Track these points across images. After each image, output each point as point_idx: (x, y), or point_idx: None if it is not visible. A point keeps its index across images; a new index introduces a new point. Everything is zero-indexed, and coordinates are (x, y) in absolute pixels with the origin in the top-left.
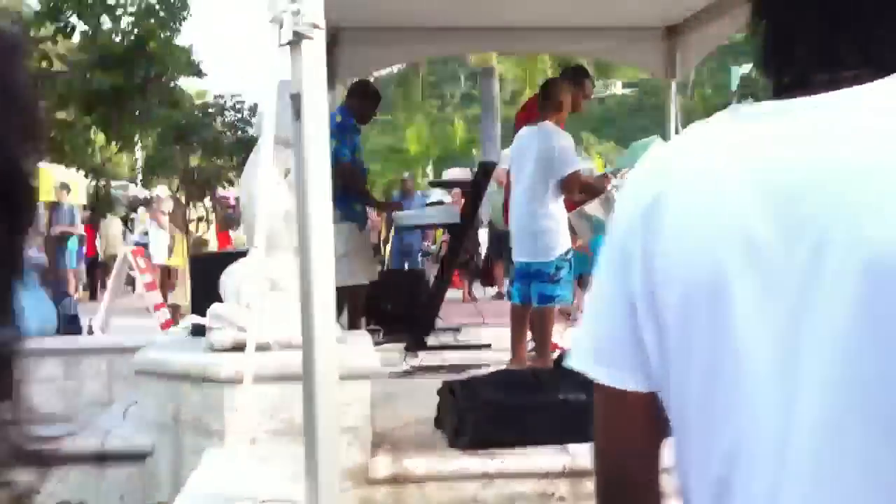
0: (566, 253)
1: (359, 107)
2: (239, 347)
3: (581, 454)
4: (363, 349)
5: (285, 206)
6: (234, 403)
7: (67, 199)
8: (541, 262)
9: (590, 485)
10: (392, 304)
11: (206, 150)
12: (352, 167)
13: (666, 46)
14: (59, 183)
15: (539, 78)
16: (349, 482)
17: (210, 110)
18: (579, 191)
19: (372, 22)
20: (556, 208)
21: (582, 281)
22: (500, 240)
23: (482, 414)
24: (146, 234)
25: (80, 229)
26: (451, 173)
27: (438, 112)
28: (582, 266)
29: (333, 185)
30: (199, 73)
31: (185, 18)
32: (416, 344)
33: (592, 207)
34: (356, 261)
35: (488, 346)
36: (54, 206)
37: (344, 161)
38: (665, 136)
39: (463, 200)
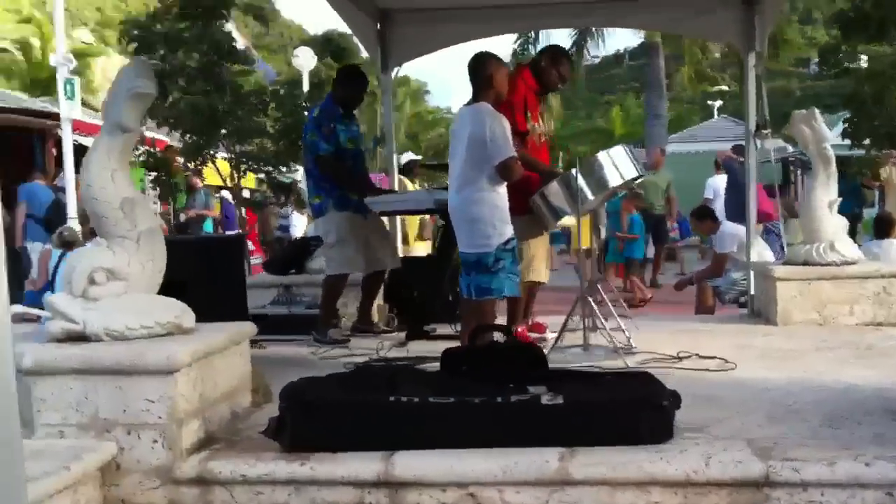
0: (506, 242)
1: (343, 93)
2: (72, 338)
3: (403, 464)
4: (178, 346)
5: (122, 194)
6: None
7: (201, 185)
8: (479, 252)
9: (410, 496)
10: (407, 291)
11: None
12: (331, 158)
13: (742, 14)
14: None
15: (695, 50)
16: (157, 480)
17: None
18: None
19: (423, 3)
20: (493, 195)
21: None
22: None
23: (300, 413)
24: None
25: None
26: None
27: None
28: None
29: (318, 177)
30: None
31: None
32: (413, 333)
33: (552, 191)
34: (356, 249)
35: None
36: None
37: (323, 154)
38: (744, 116)
39: None
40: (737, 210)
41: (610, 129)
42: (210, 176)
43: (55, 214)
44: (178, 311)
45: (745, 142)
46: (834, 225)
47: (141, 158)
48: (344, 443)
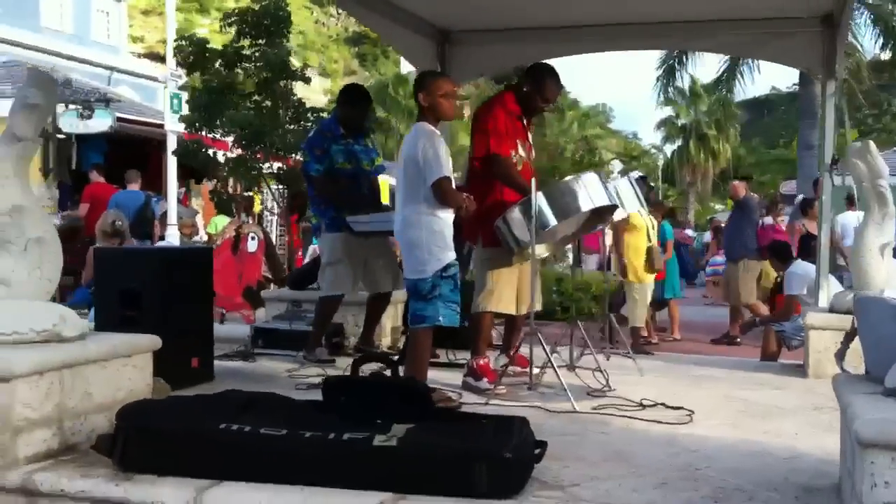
0: (445, 269)
1: (345, 114)
2: None
3: (214, 496)
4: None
5: (12, 201)
6: None
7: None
8: (415, 278)
9: None
10: None
11: None
12: (322, 178)
13: (822, 37)
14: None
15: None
16: None
17: None
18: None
19: (483, 24)
20: (430, 219)
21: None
22: None
23: (131, 435)
24: None
25: None
26: None
27: None
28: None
29: (314, 198)
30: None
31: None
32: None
33: (514, 217)
34: (348, 270)
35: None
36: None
37: (314, 174)
38: (821, 151)
39: None
40: (737, 246)
41: (793, 157)
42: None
43: (139, 221)
44: (56, 320)
45: (821, 175)
46: (886, 271)
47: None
48: (170, 467)
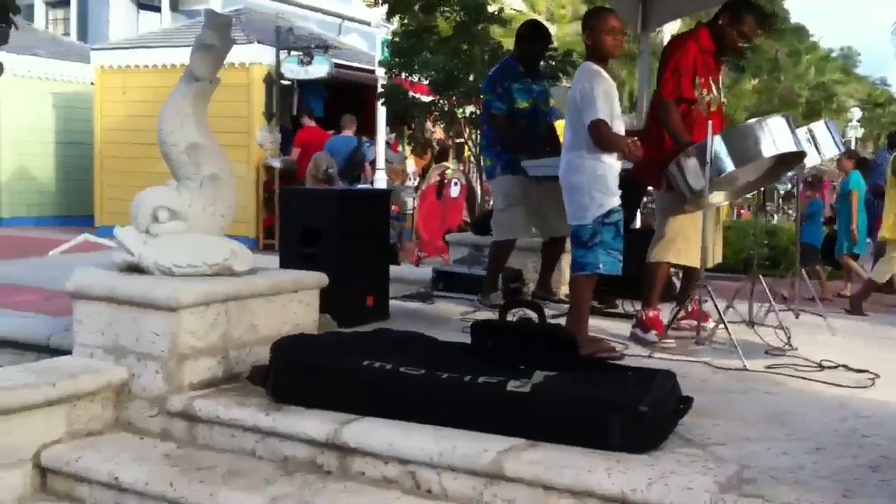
0: (606, 215)
1: (523, 51)
2: (131, 268)
3: (353, 430)
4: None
5: (189, 139)
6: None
7: None
8: (576, 224)
9: (356, 464)
10: None
11: None
12: (504, 117)
13: None
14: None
15: None
16: (155, 409)
17: None
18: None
19: None
20: (593, 162)
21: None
22: None
23: (283, 368)
24: None
25: None
26: None
27: None
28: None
29: (492, 139)
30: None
31: None
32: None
33: (688, 160)
34: (523, 214)
35: None
36: None
37: (496, 112)
38: None
39: None
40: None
41: None
42: None
43: (349, 165)
44: (227, 254)
45: None
46: None
47: None
48: (318, 400)
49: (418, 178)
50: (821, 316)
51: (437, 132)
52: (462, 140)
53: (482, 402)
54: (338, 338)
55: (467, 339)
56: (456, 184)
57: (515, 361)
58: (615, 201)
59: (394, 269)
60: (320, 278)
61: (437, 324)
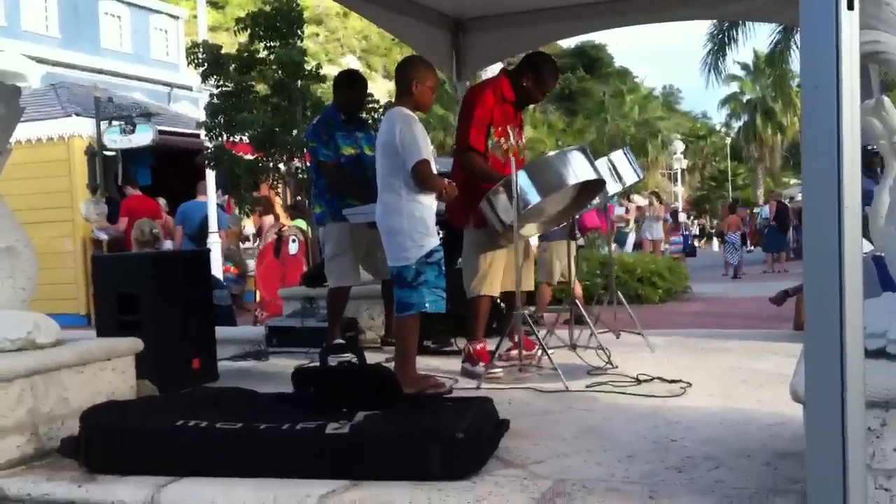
0: (428, 255)
1: (342, 101)
2: None
3: (172, 492)
4: None
5: None
6: None
7: None
8: (399, 265)
9: None
10: None
11: None
12: (333, 164)
13: None
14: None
15: None
16: None
17: None
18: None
19: (496, 8)
20: (412, 205)
21: None
22: None
23: (94, 437)
24: None
25: None
26: None
27: None
28: None
29: (321, 187)
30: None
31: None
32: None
33: (497, 196)
34: (354, 261)
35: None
36: None
37: (324, 160)
38: None
39: None
40: None
41: None
42: None
43: (202, 231)
44: (30, 327)
45: None
46: None
47: None
48: (133, 466)
49: (258, 239)
50: (640, 334)
51: (264, 189)
52: (300, 197)
53: (303, 449)
54: (152, 401)
55: None
56: (294, 241)
57: (338, 405)
58: (435, 241)
59: (229, 330)
60: (134, 344)
61: (269, 379)
